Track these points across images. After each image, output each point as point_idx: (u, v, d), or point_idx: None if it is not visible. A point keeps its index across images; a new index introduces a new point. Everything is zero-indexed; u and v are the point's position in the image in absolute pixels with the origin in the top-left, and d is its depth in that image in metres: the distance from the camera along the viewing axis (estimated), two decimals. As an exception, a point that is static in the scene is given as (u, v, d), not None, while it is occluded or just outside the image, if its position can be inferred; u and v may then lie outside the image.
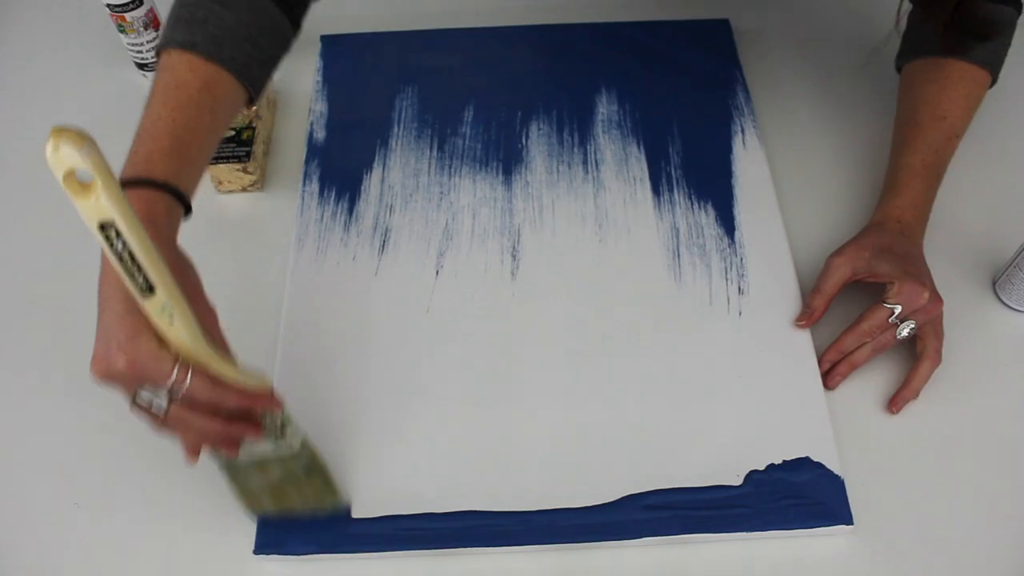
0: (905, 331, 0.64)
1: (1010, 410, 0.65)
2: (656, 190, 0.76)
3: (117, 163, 0.80)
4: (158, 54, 0.57)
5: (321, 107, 0.83)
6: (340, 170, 0.78)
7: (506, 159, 0.78)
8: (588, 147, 0.79)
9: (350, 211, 0.75)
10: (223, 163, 0.75)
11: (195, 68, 0.56)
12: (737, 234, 0.73)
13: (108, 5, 0.80)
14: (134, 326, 0.48)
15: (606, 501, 0.60)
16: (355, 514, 0.59)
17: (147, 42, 0.84)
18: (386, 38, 0.88)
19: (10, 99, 0.87)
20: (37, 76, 0.88)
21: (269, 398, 0.53)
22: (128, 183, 0.53)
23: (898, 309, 0.63)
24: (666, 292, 0.70)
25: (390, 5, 0.92)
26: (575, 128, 0.80)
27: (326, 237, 0.73)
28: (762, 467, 0.61)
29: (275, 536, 0.59)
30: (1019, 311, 0.70)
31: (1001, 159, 0.79)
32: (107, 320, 0.49)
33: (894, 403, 0.64)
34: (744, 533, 0.59)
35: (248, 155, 0.76)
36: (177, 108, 0.56)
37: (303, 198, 0.76)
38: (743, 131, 0.80)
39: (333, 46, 0.88)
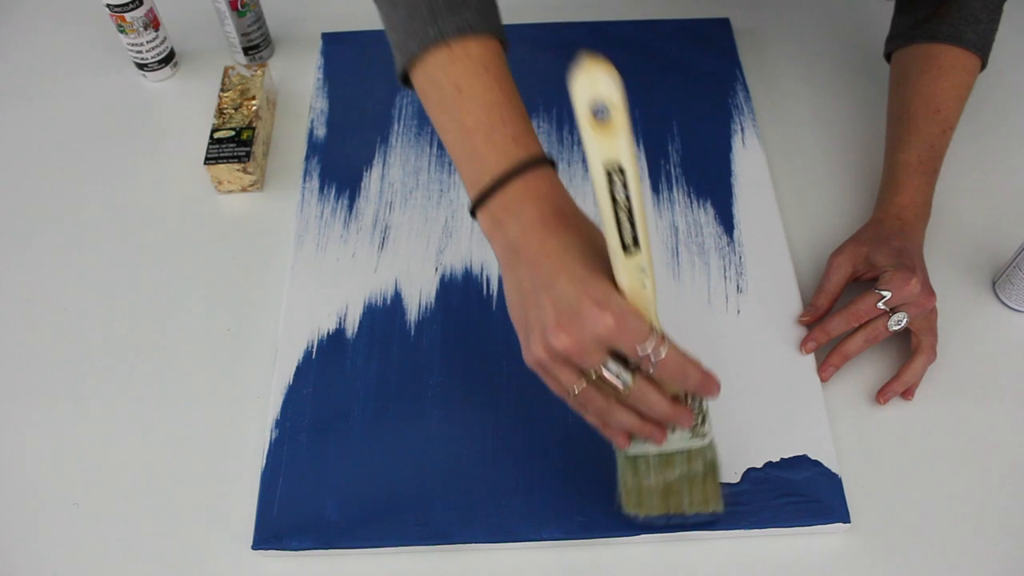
0: (898, 324, 0.64)
1: (1009, 410, 0.65)
2: (655, 188, 0.76)
3: (117, 163, 0.81)
4: (420, 49, 0.52)
5: (321, 104, 0.83)
6: (340, 167, 0.78)
7: (505, 157, 0.78)
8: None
9: (350, 208, 0.75)
10: (223, 163, 0.76)
11: (485, 45, 0.52)
12: (736, 232, 0.73)
13: (108, 5, 0.80)
14: (608, 287, 0.46)
15: (603, 498, 0.60)
16: (352, 509, 0.60)
17: (147, 42, 0.84)
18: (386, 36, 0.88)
19: (10, 99, 0.87)
20: (37, 76, 0.89)
21: (715, 380, 0.49)
22: (524, 167, 0.50)
23: (887, 295, 0.63)
24: (665, 290, 0.70)
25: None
26: (575, 126, 0.80)
27: (326, 233, 0.74)
28: (760, 465, 0.61)
29: (273, 531, 0.59)
30: (1019, 311, 0.70)
31: (1001, 159, 0.79)
32: (565, 285, 0.46)
33: (882, 394, 0.64)
34: (741, 531, 0.59)
35: (248, 155, 0.76)
36: (500, 88, 0.52)
37: (303, 195, 0.76)
38: (743, 130, 0.80)
39: (334, 44, 0.88)
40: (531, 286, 0.48)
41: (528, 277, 0.48)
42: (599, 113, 0.41)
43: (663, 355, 0.47)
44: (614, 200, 0.43)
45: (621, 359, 0.48)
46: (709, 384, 0.49)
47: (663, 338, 0.47)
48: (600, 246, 0.47)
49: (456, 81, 0.51)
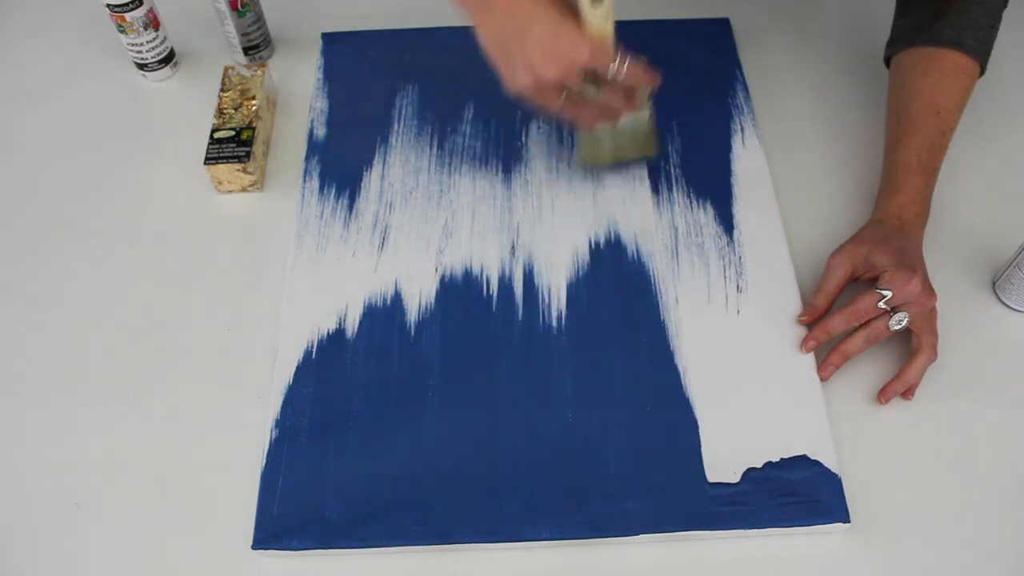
0: (899, 324, 0.64)
1: (1009, 410, 0.65)
2: (655, 188, 0.76)
3: (118, 163, 0.81)
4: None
5: (321, 104, 0.83)
6: (340, 167, 0.78)
7: (506, 157, 0.78)
8: (587, 146, 0.79)
9: (350, 208, 0.75)
10: (223, 163, 0.76)
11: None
12: (736, 232, 0.73)
13: (108, 5, 0.80)
14: (576, 28, 0.60)
15: (604, 498, 0.60)
16: (352, 509, 0.60)
17: (147, 42, 0.84)
18: (387, 36, 0.88)
19: (10, 99, 0.87)
20: (37, 76, 0.89)
21: (657, 74, 0.64)
22: None
23: (888, 295, 0.63)
24: (664, 290, 0.70)
25: (391, 3, 0.92)
26: (575, 127, 0.80)
27: (326, 233, 0.74)
28: (759, 465, 0.61)
29: (273, 531, 0.59)
30: (1018, 311, 0.70)
31: (1001, 159, 0.79)
32: (543, 29, 0.59)
33: (883, 393, 0.64)
34: (741, 531, 0.59)
35: (248, 155, 0.76)
36: None
37: (303, 195, 0.76)
38: (743, 130, 0.80)
39: (334, 44, 0.88)
40: (511, 30, 0.60)
41: (506, 22, 0.61)
42: None
43: (625, 69, 0.62)
44: None
45: (591, 76, 0.63)
46: (654, 76, 0.64)
47: (624, 52, 0.62)
48: None
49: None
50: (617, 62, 0.62)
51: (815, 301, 0.67)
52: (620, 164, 0.76)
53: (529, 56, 0.60)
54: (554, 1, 0.60)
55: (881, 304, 0.63)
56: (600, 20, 0.61)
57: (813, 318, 0.67)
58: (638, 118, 0.74)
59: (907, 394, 0.65)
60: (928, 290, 0.64)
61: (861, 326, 0.65)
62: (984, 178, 0.78)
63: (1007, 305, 0.70)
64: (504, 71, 0.63)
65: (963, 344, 0.68)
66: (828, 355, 0.65)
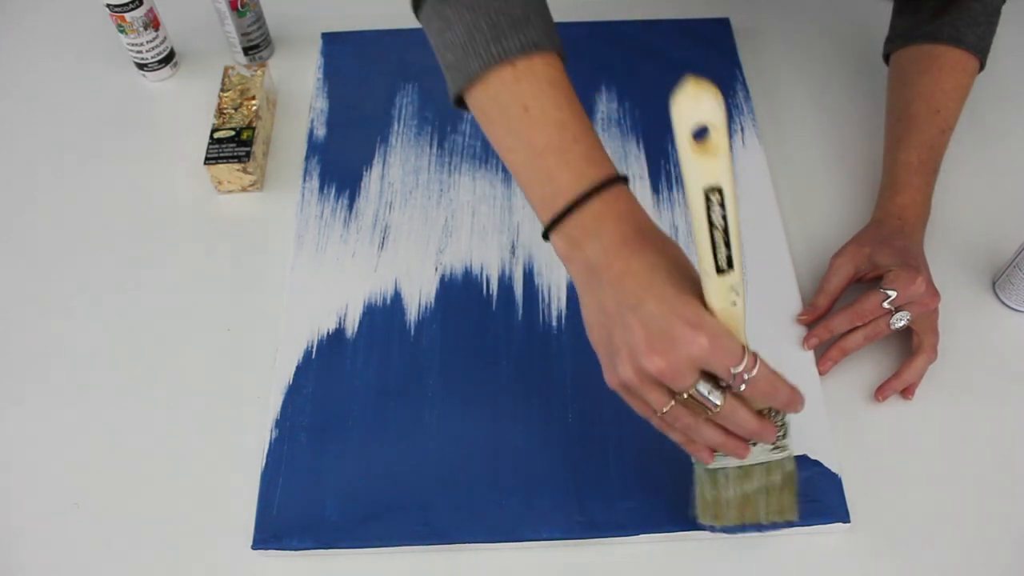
0: (899, 322, 0.64)
1: (1008, 410, 0.65)
2: (655, 188, 0.76)
3: (118, 163, 0.81)
4: (483, 68, 0.51)
5: (321, 104, 0.83)
6: (340, 167, 0.78)
7: (505, 157, 0.78)
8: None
9: (350, 208, 0.75)
10: (223, 163, 0.76)
11: (549, 62, 0.52)
12: (736, 232, 0.73)
13: (108, 5, 0.80)
14: (699, 307, 0.46)
15: (603, 498, 0.60)
16: (352, 509, 0.60)
17: (147, 42, 0.84)
18: (386, 36, 0.88)
19: (10, 99, 0.87)
20: (37, 76, 0.89)
21: (801, 396, 0.49)
22: (601, 187, 0.49)
23: (893, 295, 0.63)
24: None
25: (391, 3, 0.92)
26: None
27: (326, 233, 0.74)
28: (760, 465, 0.61)
29: (273, 531, 0.59)
30: (1019, 311, 0.70)
31: (1001, 159, 0.79)
32: (653, 306, 0.46)
33: (881, 391, 0.64)
34: (740, 530, 0.59)
35: (248, 155, 0.76)
36: (569, 105, 0.51)
37: (303, 195, 0.76)
38: (742, 130, 0.80)
39: (334, 43, 0.88)
40: (615, 307, 0.47)
41: (612, 298, 0.48)
42: (699, 135, 0.41)
43: (755, 374, 0.46)
44: (710, 221, 0.43)
45: (711, 378, 0.47)
46: (796, 400, 0.49)
47: (755, 357, 0.47)
48: (683, 264, 0.48)
49: (523, 100, 0.50)
50: (745, 364, 0.46)
51: (816, 301, 0.67)
52: (750, 529, 0.58)
53: (633, 341, 0.46)
54: (676, 277, 0.47)
55: (886, 304, 0.63)
56: (725, 297, 0.46)
57: (813, 318, 0.67)
58: (772, 460, 0.54)
59: (907, 393, 0.65)
60: (932, 291, 0.64)
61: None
62: (984, 178, 0.78)
63: (1007, 305, 0.70)
64: (604, 358, 0.50)
65: (963, 344, 0.68)
66: (827, 350, 0.65)
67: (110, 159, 0.81)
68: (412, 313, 0.69)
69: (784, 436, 0.53)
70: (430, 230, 0.74)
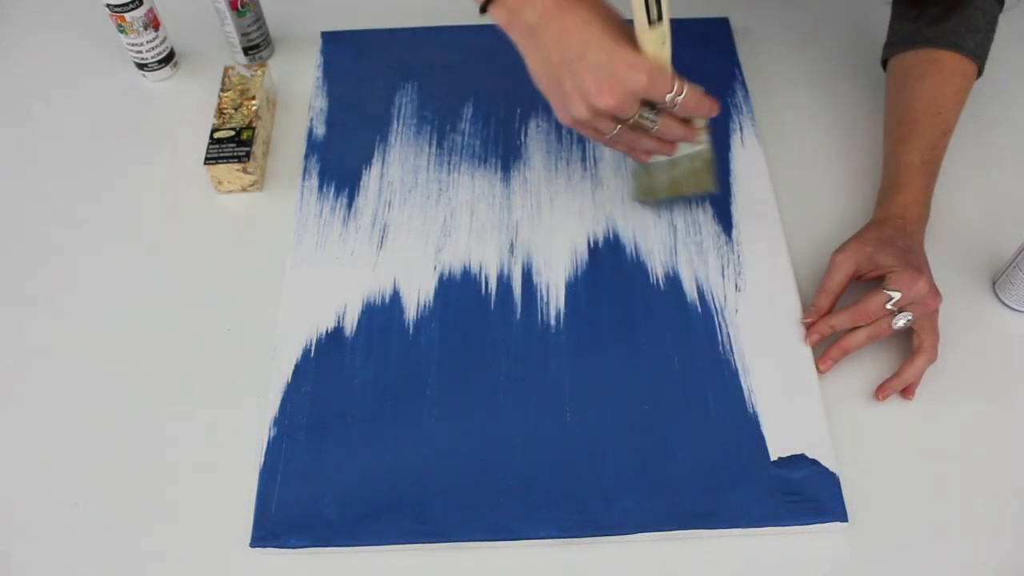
0: (901, 322, 0.63)
1: (1008, 410, 0.65)
2: (654, 187, 0.76)
3: (118, 163, 0.81)
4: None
5: (321, 103, 0.83)
6: (339, 166, 0.78)
7: (505, 156, 0.78)
8: (587, 144, 0.79)
9: (349, 206, 0.75)
10: (223, 163, 0.76)
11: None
12: (734, 232, 0.73)
13: (108, 5, 0.80)
14: (634, 52, 0.57)
15: (602, 497, 0.60)
16: (351, 507, 0.60)
17: (147, 42, 0.84)
18: (386, 35, 0.88)
19: (10, 99, 0.87)
20: (37, 76, 0.89)
21: (717, 103, 0.62)
22: None
23: (896, 296, 0.63)
24: (663, 289, 0.70)
25: (390, 2, 0.93)
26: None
27: (325, 232, 0.74)
28: (758, 463, 0.61)
29: (271, 529, 0.59)
30: (1019, 311, 0.69)
31: (1001, 159, 0.79)
32: (598, 55, 0.56)
33: (881, 390, 0.64)
34: (739, 529, 0.59)
35: (248, 155, 0.76)
36: None
37: (302, 193, 0.76)
38: (741, 129, 0.80)
39: (333, 42, 0.88)
40: (560, 59, 0.58)
41: (556, 53, 0.58)
42: None
43: (684, 96, 0.59)
44: None
45: (648, 104, 0.60)
46: (714, 107, 0.62)
47: (683, 83, 0.59)
48: (610, 15, 0.59)
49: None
50: (675, 89, 0.59)
51: (817, 301, 0.67)
52: (676, 199, 0.73)
53: (583, 85, 0.58)
54: (608, 28, 0.58)
55: (888, 305, 0.63)
56: (656, 44, 0.58)
57: (816, 319, 0.67)
58: (694, 151, 0.69)
59: (906, 392, 0.65)
60: (934, 291, 0.64)
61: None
62: (984, 178, 0.77)
63: (1007, 305, 0.70)
64: (556, 102, 0.61)
65: (963, 344, 0.67)
66: (828, 348, 0.65)
67: (110, 159, 0.82)
68: (411, 312, 0.69)
69: (703, 131, 0.67)
70: (429, 229, 0.74)
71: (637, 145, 0.64)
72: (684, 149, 0.68)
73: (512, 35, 0.60)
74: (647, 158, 0.67)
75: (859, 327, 0.65)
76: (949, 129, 0.71)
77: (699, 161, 0.69)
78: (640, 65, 0.57)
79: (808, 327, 0.67)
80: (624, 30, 0.59)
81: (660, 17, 0.57)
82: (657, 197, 0.72)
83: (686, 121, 0.64)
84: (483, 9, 0.60)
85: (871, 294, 0.64)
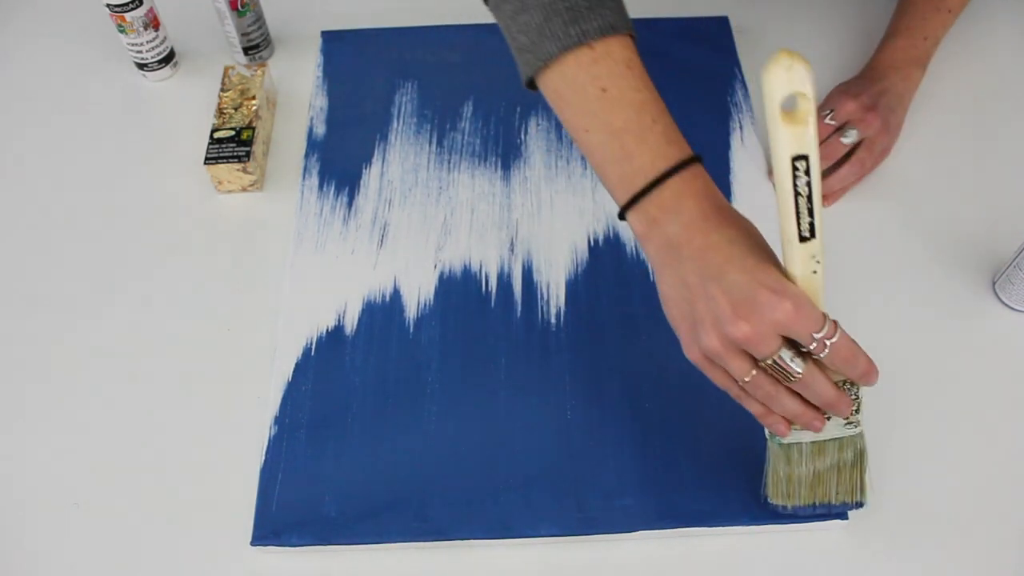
0: (848, 137, 0.71)
1: (1009, 410, 0.65)
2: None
3: (118, 163, 0.81)
4: (560, 50, 0.51)
5: (321, 102, 0.83)
6: (339, 165, 0.78)
7: (505, 154, 0.78)
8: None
9: (349, 205, 0.75)
10: (223, 163, 0.76)
11: (624, 44, 0.53)
12: (735, 230, 0.73)
13: (108, 5, 0.80)
14: (780, 276, 0.47)
15: (602, 495, 0.60)
16: (351, 505, 0.60)
17: (147, 42, 0.84)
18: (386, 34, 0.88)
19: (10, 99, 0.87)
20: (37, 76, 0.89)
21: (876, 367, 0.50)
22: (680, 166, 0.50)
23: (830, 112, 0.73)
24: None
25: (390, 2, 0.93)
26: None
27: (325, 231, 0.74)
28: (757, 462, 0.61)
29: (272, 527, 0.59)
30: (1019, 311, 0.69)
31: (1001, 159, 0.79)
32: (739, 276, 0.47)
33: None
34: (739, 527, 0.59)
35: (248, 155, 0.76)
36: (646, 87, 0.53)
37: (302, 192, 0.76)
38: (741, 128, 0.80)
39: (333, 42, 0.88)
40: (698, 280, 0.49)
41: (693, 272, 0.49)
42: (788, 104, 0.43)
43: (836, 340, 0.47)
44: (796, 189, 0.45)
45: (792, 346, 0.48)
46: (872, 370, 0.50)
47: (835, 324, 0.48)
48: (759, 239, 0.50)
49: (600, 82, 0.51)
50: (826, 329, 0.47)
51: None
52: (820, 509, 0.57)
53: (718, 309, 0.48)
54: (755, 250, 0.49)
55: (828, 120, 0.71)
56: (807, 264, 0.47)
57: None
58: (848, 435, 0.54)
59: (825, 198, 0.72)
60: (881, 121, 0.71)
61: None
62: (984, 178, 0.77)
63: (1007, 305, 0.70)
64: (685, 330, 0.51)
65: (963, 344, 0.67)
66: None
67: (110, 159, 0.82)
68: (411, 310, 0.69)
69: (857, 411, 0.53)
70: (429, 228, 0.74)
71: (776, 403, 0.51)
72: (833, 430, 0.53)
73: (647, 248, 0.52)
74: (787, 430, 0.52)
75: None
76: (954, 14, 0.77)
77: (850, 452, 0.55)
78: (786, 291, 0.46)
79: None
80: (774, 257, 0.50)
81: (813, 233, 0.47)
82: (795, 501, 0.56)
83: (837, 386, 0.51)
84: (621, 216, 0.52)
85: None
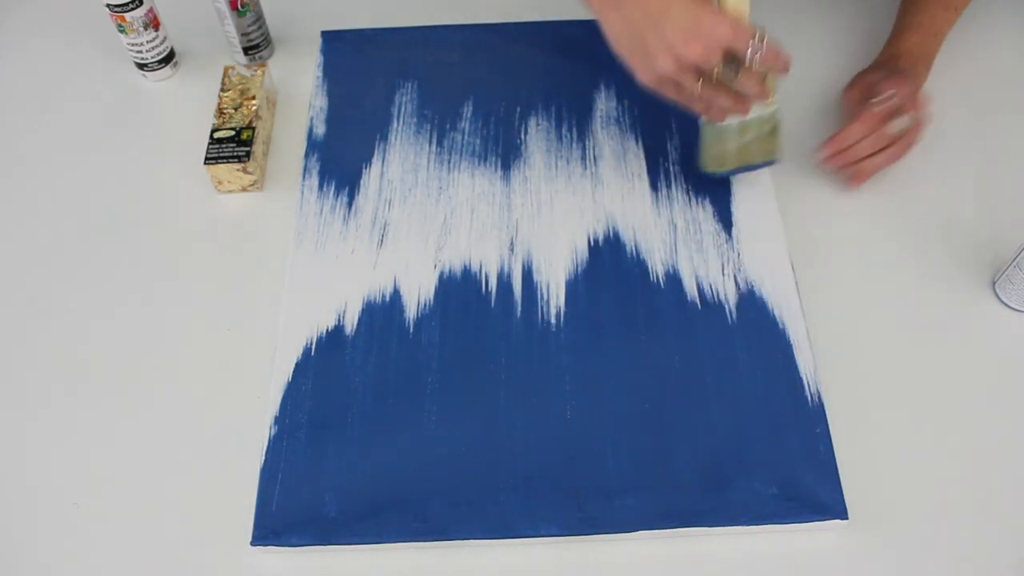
0: (895, 127, 0.72)
1: (1009, 410, 0.65)
2: (654, 185, 0.76)
3: (118, 163, 0.81)
4: None
5: (321, 102, 0.83)
6: (339, 165, 0.78)
7: (505, 154, 0.78)
8: (587, 143, 0.79)
9: (349, 205, 0.75)
10: (223, 163, 0.76)
11: None
12: (734, 230, 0.73)
13: (108, 5, 0.80)
14: (714, 9, 0.61)
15: (603, 495, 0.60)
16: (351, 505, 0.60)
17: (147, 42, 0.84)
18: (386, 34, 0.88)
19: (10, 99, 0.87)
20: (37, 76, 0.89)
21: (789, 60, 0.63)
22: None
23: (883, 96, 0.73)
24: (663, 287, 0.70)
25: (390, 2, 0.93)
26: (574, 124, 0.80)
27: (325, 231, 0.74)
28: (758, 461, 0.61)
29: (272, 527, 0.59)
30: (1019, 311, 0.69)
31: (1001, 159, 0.79)
32: (682, 11, 0.59)
33: (820, 148, 0.74)
34: (739, 527, 0.59)
35: (248, 155, 0.76)
36: None
37: (302, 192, 0.76)
38: (741, 127, 0.80)
39: (333, 42, 0.88)
40: (643, 17, 0.61)
41: (638, 13, 0.61)
42: None
43: (764, 50, 0.61)
44: None
45: (729, 60, 0.62)
46: (788, 60, 0.63)
47: (763, 32, 0.61)
48: None
49: None
50: (756, 39, 0.61)
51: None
52: (743, 170, 0.73)
53: (670, 39, 0.60)
54: None
55: (873, 100, 0.72)
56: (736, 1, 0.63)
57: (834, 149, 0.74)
58: (765, 114, 0.70)
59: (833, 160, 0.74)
60: (903, 81, 0.73)
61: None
62: (984, 178, 0.77)
63: (1007, 305, 0.70)
64: (639, 60, 0.63)
65: (963, 344, 0.67)
66: (857, 171, 0.74)
67: (110, 159, 0.82)
68: (411, 310, 0.69)
69: (774, 92, 0.68)
70: (429, 227, 0.74)
71: (715, 102, 0.66)
72: (756, 111, 0.69)
73: (591, 3, 0.64)
74: (723, 116, 0.68)
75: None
76: (958, 9, 0.79)
77: (768, 126, 0.71)
78: (724, 17, 0.60)
79: (825, 158, 0.74)
80: None
81: None
82: (726, 167, 0.73)
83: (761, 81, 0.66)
84: None
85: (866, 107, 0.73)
